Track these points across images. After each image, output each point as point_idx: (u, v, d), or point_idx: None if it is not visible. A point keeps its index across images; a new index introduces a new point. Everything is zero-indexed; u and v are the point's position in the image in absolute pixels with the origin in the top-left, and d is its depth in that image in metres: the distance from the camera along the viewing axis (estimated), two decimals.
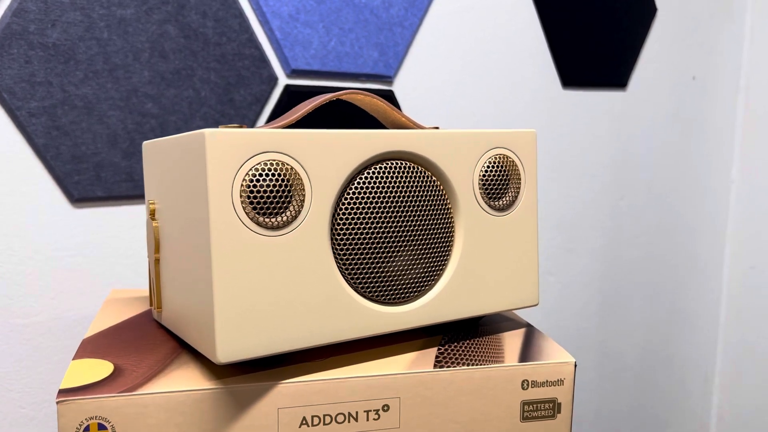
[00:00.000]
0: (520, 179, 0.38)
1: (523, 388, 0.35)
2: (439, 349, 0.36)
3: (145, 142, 0.38)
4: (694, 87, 1.03)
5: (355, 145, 0.32)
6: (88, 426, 0.30)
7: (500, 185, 0.37)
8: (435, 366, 0.34)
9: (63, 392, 0.30)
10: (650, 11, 0.96)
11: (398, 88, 0.77)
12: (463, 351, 0.36)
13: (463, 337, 0.38)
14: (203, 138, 0.29)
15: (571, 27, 0.88)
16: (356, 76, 0.73)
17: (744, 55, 1.07)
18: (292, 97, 0.69)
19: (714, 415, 1.12)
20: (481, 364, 0.34)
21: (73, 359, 0.33)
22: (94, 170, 0.60)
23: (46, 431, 0.60)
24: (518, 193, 0.38)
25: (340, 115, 0.72)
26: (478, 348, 0.37)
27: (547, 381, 0.35)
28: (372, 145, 0.33)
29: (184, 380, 0.31)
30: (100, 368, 0.32)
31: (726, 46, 1.05)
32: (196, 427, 0.31)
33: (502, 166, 0.37)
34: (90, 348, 0.35)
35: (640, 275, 1.00)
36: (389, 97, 0.76)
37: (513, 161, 0.38)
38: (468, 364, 0.34)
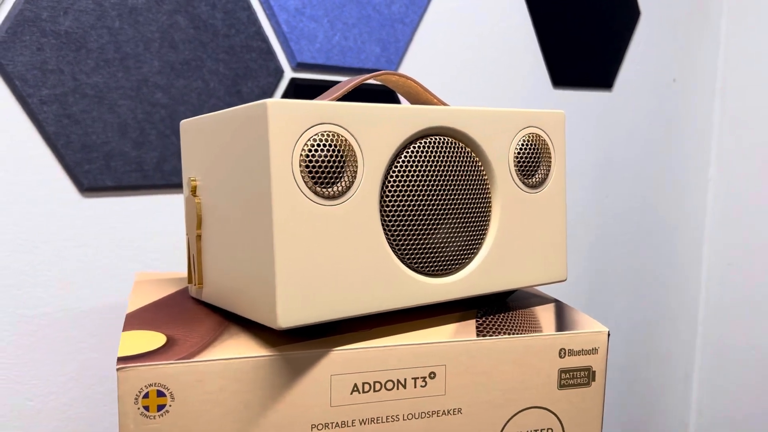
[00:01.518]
0: (550, 157, 0.39)
1: (560, 357, 0.36)
2: (477, 321, 0.37)
3: (183, 121, 0.39)
4: (674, 89, 1.06)
5: (404, 119, 0.33)
6: (147, 393, 0.30)
7: (533, 163, 0.38)
8: (477, 335, 0.35)
9: (122, 360, 0.30)
10: (634, 14, 0.99)
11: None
12: (501, 322, 0.37)
13: (497, 311, 0.39)
14: (265, 107, 0.29)
15: (562, 27, 0.91)
16: (359, 70, 0.74)
17: (720, 58, 1.11)
18: (297, 90, 0.70)
19: (693, 410, 1.15)
20: (521, 334, 0.35)
21: (123, 331, 0.34)
22: (104, 159, 0.59)
23: (54, 423, 0.59)
24: (549, 170, 0.39)
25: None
26: (515, 320, 0.38)
27: (582, 350, 0.36)
28: (419, 120, 0.34)
29: (239, 348, 0.32)
30: (153, 339, 0.33)
31: (703, 49, 1.09)
32: (252, 394, 0.31)
33: (534, 145, 0.38)
34: (136, 321, 0.35)
35: (623, 273, 1.02)
36: (389, 92, 0.77)
37: (544, 140, 0.39)
38: (509, 334, 0.35)
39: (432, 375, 0.34)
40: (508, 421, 0.35)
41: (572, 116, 0.94)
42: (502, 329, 0.36)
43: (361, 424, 0.33)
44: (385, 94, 0.76)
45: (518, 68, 0.88)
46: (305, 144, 0.30)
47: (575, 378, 0.36)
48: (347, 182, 0.31)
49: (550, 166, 0.39)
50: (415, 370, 0.34)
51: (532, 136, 0.38)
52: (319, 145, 0.30)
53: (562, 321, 0.38)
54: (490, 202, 0.37)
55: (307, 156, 0.30)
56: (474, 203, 0.36)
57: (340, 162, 0.31)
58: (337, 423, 0.33)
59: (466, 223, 0.36)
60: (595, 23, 0.94)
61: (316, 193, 0.31)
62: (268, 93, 0.68)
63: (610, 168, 0.99)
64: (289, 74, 0.70)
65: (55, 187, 0.58)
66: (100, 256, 0.60)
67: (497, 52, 0.86)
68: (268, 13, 0.67)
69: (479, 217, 0.37)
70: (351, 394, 0.33)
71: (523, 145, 0.38)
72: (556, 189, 0.40)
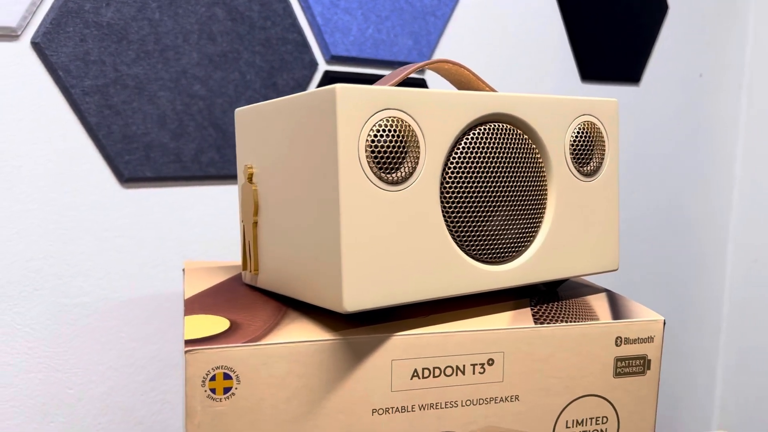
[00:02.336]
0: (604, 146, 0.39)
1: (616, 345, 0.36)
2: (532, 309, 0.37)
3: (238, 109, 0.39)
4: (701, 84, 1.06)
5: (465, 106, 0.33)
6: (214, 375, 0.30)
7: (588, 151, 0.38)
8: (535, 323, 0.35)
9: (189, 342, 0.30)
10: (662, 9, 0.98)
11: (429, 76, 0.78)
12: (556, 311, 0.37)
13: (550, 299, 0.39)
14: (334, 92, 0.29)
15: (591, 21, 0.91)
16: (391, 63, 0.74)
17: (747, 54, 1.10)
18: (331, 83, 0.70)
19: (717, 408, 1.15)
20: (577, 322, 0.35)
21: (185, 315, 0.34)
22: (144, 150, 0.60)
23: (93, 412, 0.60)
24: (603, 159, 0.39)
25: None
26: (570, 308, 0.38)
27: (638, 338, 0.36)
28: (479, 106, 0.34)
29: (303, 332, 0.32)
30: (216, 323, 0.33)
31: (731, 44, 1.08)
32: (316, 378, 0.31)
33: (589, 133, 0.38)
34: (197, 306, 0.36)
35: (649, 269, 1.02)
36: (421, 84, 0.77)
37: (599, 128, 0.39)
38: (566, 322, 0.35)
39: (491, 362, 0.34)
40: (564, 409, 0.35)
41: None
42: (558, 317, 0.36)
43: (420, 409, 0.33)
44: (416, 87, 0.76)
45: (547, 61, 0.88)
46: (371, 129, 0.30)
47: (631, 366, 0.36)
48: (410, 168, 0.32)
49: (604, 154, 0.39)
50: (474, 357, 0.34)
51: (587, 124, 0.38)
52: (384, 130, 0.31)
53: (617, 309, 0.38)
54: (546, 189, 0.37)
55: (373, 141, 0.30)
56: (531, 190, 0.36)
57: (403, 147, 0.31)
58: (397, 408, 0.33)
59: (523, 210, 0.36)
60: (624, 17, 0.94)
61: (380, 178, 0.31)
62: (303, 86, 0.68)
63: (637, 164, 0.99)
64: (323, 67, 0.70)
65: (96, 177, 0.58)
66: (139, 246, 0.61)
67: (527, 45, 0.86)
68: (304, 5, 0.68)
69: (535, 204, 0.37)
70: (411, 379, 0.33)
71: (578, 133, 0.38)
72: (609, 177, 0.40)
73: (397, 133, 0.31)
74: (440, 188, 0.33)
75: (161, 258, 0.62)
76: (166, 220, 0.62)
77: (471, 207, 0.34)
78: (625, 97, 0.96)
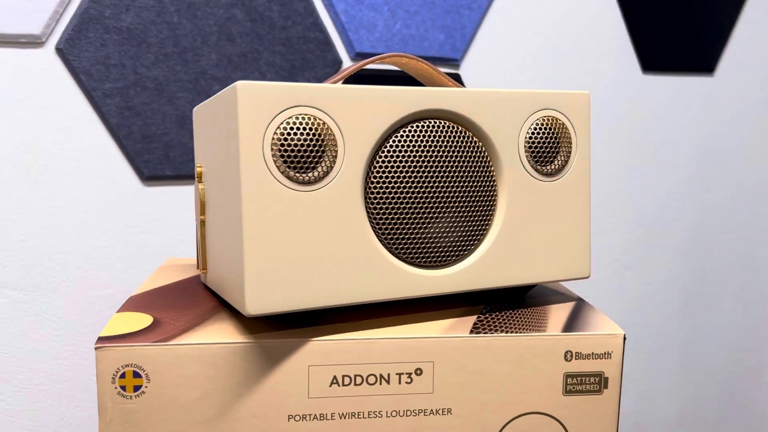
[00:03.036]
0: (571, 143, 0.36)
1: (566, 360, 0.33)
2: (479, 317, 0.35)
3: (196, 107, 0.39)
4: None
5: (391, 102, 0.32)
6: (123, 373, 0.30)
7: (548, 149, 0.35)
8: (471, 332, 0.33)
9: (101, 339, 0.31)
10: None
11: (465, 71, 0.75)
12: (504, 319, 0.35)
13: (506, 307, 0.37)
14: (236, 90, 0.29)
15: (653, 7, 0.84)
16: (422, 59, 0.72)
17: None
18: (356, 81, 0.70)
19: None
20: (520, 332, 0.33)
21: (117, 312, 0.35)
22: (163, 150, 0.62)
23: None
24: (569, 157, 0.36)
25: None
26: (521, 317, 0.35)
27: (593, 353, 0.33)
28: (409, 103, 0.32)
29: (218, 333, 0.32)
30: (139, 320, 0.33)
31: None
32: (228, 381, 0.31)
33: (550, 129, 0.35)
34: (135, 303, 0.36)
35: (728, 274, 0.94)
36: (456, 79, 0.75)
37: (563, 124, 0.36)
38: (508, 332, 0.33)
39: (418, 371, 0.32)
40: (505, 426, 0.33)
41: (666, 104, 0.87)
42: (502, 327, 0.33)
43: (341, 418, 0.32)
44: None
45: (601, 53, 0.83)
46: (278, 127, 0.29)
47: (584, 384, 0.33)
48: (325, 167, 0.30)
49: (570, 152, 0.36)
50: (399, 365, 0.32)
51: (548, 120, 0.35)
52: (293, 128, 0.30)
53: (574, 321, 0.35)
54: (495, 190, 0.35)
55: (280, 139, 0.29)
56: (476, 192, 0.34)
57: (316, 146, 0.30)
58: (315, 415, 0.32)
59: (467, 213, 0.34)
60: (695, 1, 0.87)
61: (290, 178, 0.30)
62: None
63: (713, 160, 0.91)
64: (347, 65, 0.69)
65: (118, 176, 0.61)
66: (160, 241, 0.63)
67: (577, 35, 0.81)
68: (326, 3, 0.67)
69: (482, 206, 0.34)
70: (330, 386, 0.32)
71: (536, 129, 0.35)
72: (578, 177, 0.37)
73: (309, 130, 0.30)
74: (365, 189, 0.32)
75: (181, 253, 0.64)
76: (185, 217, 0.64)
77: (401, 209, 0.32)
78: (696, 89, 0.89)
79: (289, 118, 0.30)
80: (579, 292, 0.86)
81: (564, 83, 0.81)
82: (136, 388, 0.31)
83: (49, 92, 0.58)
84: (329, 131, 0.30)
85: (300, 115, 0.30)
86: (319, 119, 0.30)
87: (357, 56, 0.69)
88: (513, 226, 0.35)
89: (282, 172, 0.30)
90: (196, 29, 0.62)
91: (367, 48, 0.70)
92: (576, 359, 0.33)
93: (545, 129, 0.35)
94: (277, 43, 0.65)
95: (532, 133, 0.35)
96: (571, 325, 0.34)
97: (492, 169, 0.35)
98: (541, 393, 0.33)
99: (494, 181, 0.35)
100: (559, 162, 0.36)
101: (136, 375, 0.30)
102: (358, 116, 0.31)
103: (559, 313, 0.36)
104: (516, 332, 0.33)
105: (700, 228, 0.91)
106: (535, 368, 0.33)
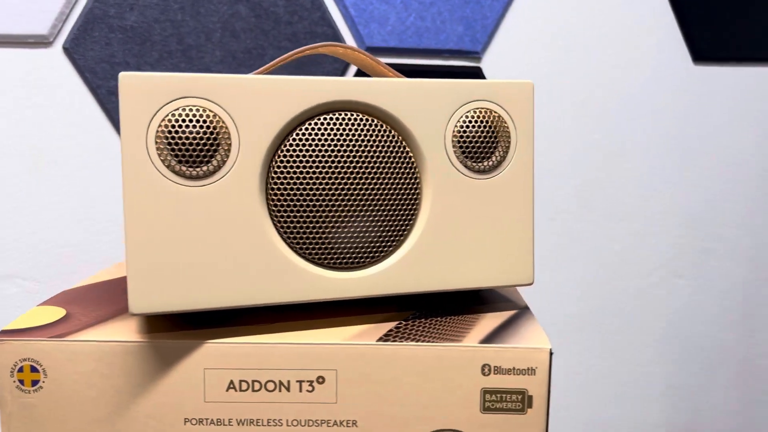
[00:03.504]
0: (509, 138, 0.33)
1: (483, 374, 0.30)
2: (399, 324, 0.33)
3: None
4: None
5: (292, 93, 0.30)
6: (22, 367, 0.30)
7: (480, 143, 0.32)
8: (380, 340, 0.30)
9: (3, 333, 0.31)
10: None
11: (487, 64, 0.72)
12: (423, 327, 0.32)
13: (435, 314, 0.34)
14: (119, 81, 0.28)
15: None
16: (438, 52, 0.70)
17: None
18: (367, 76, 0.68)
19: None
20: (432, 342, 0.30)
21: (37, 305, 0.35)
22: None
23: None
24: (506, 153, 0.33)
25: None
26: (442, 326, 0.32)
27: (514, 368, 0.30)
28: (314, 94, 0.30)
29: (116, 332, 0.31)
30: (51, 314, 0.33)
31: None
32: (123, 380, 0.30)
33: (483, 122, 0.32)
34: (60, 298, 0.36)
35: None
36: (476, 74, 0.72)
37: (499, 116, 0.33)
38: (418, 341, 0.30)
39: (321, 380, 0.30)
40: None
41: (720, 96, 0.80)
42: (416, 335, 0.31)
43: (239, 424, 0.31)
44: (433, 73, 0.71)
45: (645, 42, 0.77)
46: (163, 119, 0.28)
47: (505, 401, 0.30)
48: (217, 163, 0.29)
49: (507, 147, 0.33)
50: (300, 373, 0.30)
51: (480, 112, 0.33)
52: (179, 121, 0.29)
53: (501, 332, 0.32)
54: (419, 189, 0.32)
55: (165, 132, 0.28)
56: (396, 190, 0.32)
57: (205, 139, 0.29)
58: (212, 420, 0.30)
59: (384, 212, 0.32)
60: None
61: (177, 172, 0.29)
62: None
63: None
64: None
65: None
66: None
67: (616, 23, 0.75)
68: None
69: (403, 205, 0.32)
70: (227, 390, 0.30)
71: (466, 122, 0.32)
72: (517, 175, 0.33)
73: (197, 123, 0.29)
74: (267, 185, 0.30)
75: None
76: None
77: (307, 207, 0.31)
78: (755, 80, 0.81)
79: (176, 109, 0.29)
80: (614, 300, 0.80)
81: (600, 76, 0.76)
82: (34, 382, 0.30)
83: (58, 90, 0.60)
84: (221, 123, 0.29)
85: (189, 106, 0.29)
86: (210, 110, 0.29)
87: (368, 50, 0.68)
88: (438, 227, 0.32)
89: (168, 167, 0.29)
90: (200, 26, 0.62)
91: (378, 42, 0.68)
92: (495, 374, 0.30)
93: (476, 122, 0.32)
94: (283, 39, 0.65)
95: (461, 127, 0.32)
96: (494, 337, 0.31)
97: (415, 165, 0.32)
98: (456, 409, 0.30)
99: (418, 178, 0.32)
100: (496, 158, 0.33)
101: (34, 369, 0.30)
102: (255, 108, 0.29)
103: (489, 322, 0.33)
104: (428, 341, 0.30)
105: (764, 231, 0.83)
106: (448, 382, 0.30)
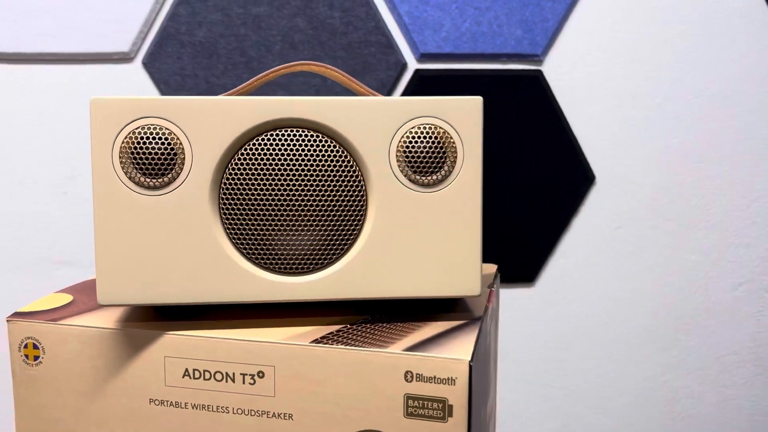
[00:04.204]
0: (455, 152, 0.34)
1: (406, 380, 0.31)
2: (345, 327, 0.35)
3: None
4: None
5: (239, 112, 0.33)
6: (26, 344, 0.36)
7: (425, 158, 0.34)
8: (315, 342, 0.33)
9: (15, 314, 0.37)
10: None
11: (549, 68, 0.71)
12: (364, 332, 0.34)
13: (384, 320, 0.36)
14: (90, 104, 0.33)
15: None
16: (495, 56, 0.70)
17: None
18: (422, 81, 0.69)
19: None
20: (360, 347, 0.32)
21: (55, 292, 0.41)
22: None
23: None
24: (452, 168, 0.34)
25: None
26: (382, 331, 0.34)
27: (435, 377, 0.31)
28: (259, 113, 0.33)
29: (100, 319, 0.36)
30: (59, 300, 0.39)
31: None
32: (101, 361, 0.35)
33: (426, 138, 0.34)
34: (79, 286, 0.42)
35: None
36: (536, 78, 0.71)
37: (444, 132, 0.34)
38: (348, 345, 0.32)
39: (260, 374, 0.33)
40: None
41: None
42: (352, 339, 0.33)
43: (193, 408, 0.34)
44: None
45: (735, 39, 0.71)
46: (126, 136, 0.33)
47: (426, 408, 0.31)
48: (173, 174, 0.33)
49: (454, 162, 0.34)
50: (243, 366, 0.33)
51: (426, 128, 0.34)
52: (140, 138, 0.33)
53: (432, 341, 0.33)
54: (364, 201, 0.34)
55: (127, 147, 0.33)
56: (340, 202, 0.34)
57: (161, 154, 0.33)
58: (171, 402, 0.34)
59: (329, 222, 0.34)
60: None
61: (138, 183, 0.33)
62: (387, 86, 0.69)
63: None
64: (413, 66, 0.70)
65: None
66: None
67: (698, 20, 0.71)
68: (389, 6, 0.68)
69: (348, 216, 0.34)
70: (183, 377, 0.34)
71: (411, 138, 0.34)
72: (464, 189, 0.34)
73: (155, 140, 0.33)
74: (219, 194, 0.34)
75: None
76: None
77: (255, 215, 0.33)
78: None
79: (137, 128, 0.33)
80: (692, 316, 0.75)
81: (677, 79, 0.72)
82: (36, 357, 0.36)
83: None
84: (177, 140, 0.33)
85: (148, 125, 0.33)
86: (166, 129, 0.33)
87: (422, 57, 0.69)
88: (382, 238, 0.34)
89: (131, 178, 0.33)
90: (261, 39, 0.67)
91: (432, 48, 0.69)
92: (417, 381, 0.31)
93: (420, 138, 0.33)
94: (338, 49, 0.68)
95: (406, 142, 0.34)
96: (423, 345, 0.32)
97: (360, 179, 0.34)
98: (381, 412, 0.32)
99: (363, 191, 0.34)
100: (442, 173, 0.34)
101: (35, 347, 0.36)
102: (206, 126, 0.33)
103: (429, 330, 0.34)
104: (358, 346, 0.32)
105: None
106: (373, 385, 0.32)
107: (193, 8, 0.66)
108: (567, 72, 0.71)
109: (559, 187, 0.73)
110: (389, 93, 0.69)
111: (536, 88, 0.71)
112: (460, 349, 0.32)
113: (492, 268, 0.48)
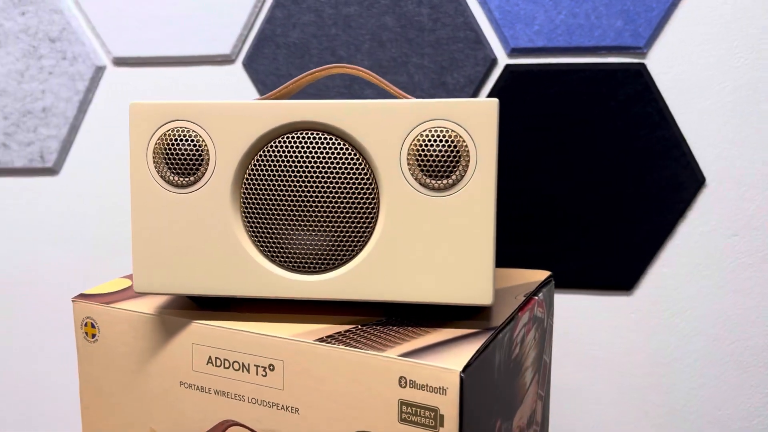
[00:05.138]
0: (468, 156, 0.33)
1: (401, 386, 0.31)
2: (355, 327, 0.35)
3: None
4: None
5: (258, 116, 0.34)
6: (87, 322, 0.40)
7: (436, 162, 0.33)
8: (320, 340, 0.34)
9: (80, 296, 0.41)
10: None
11: (654, 61, 0.66)
12: (371, 334, 0.34)
13: (395, 323, 0.36)
14: (129, 109, 0.36)
15: None
16: (593, 49, 0.66)
17: None
18: (513, 77, 0.67)
19: None
20: (359, 349, 0.32)
21: (120, 276, 0.45)
22: None
23: None
24: (465, 171, 0.33)
25: None
26: (389, 335, 0.34)
27: (427, 385, 0.31)
28: (276, 117, 0.34)
29: (144, 305, 0.39)
30: (120, 285, 0.43)
31: None
32: (142, 343, 0.38)
33: (439, 141, 0.33)
34: None
35: None
36: (638, 71, 0.66)
37: (457, 135, 0.33)
38: (351, 346, 0.33)
39: (271, 367, 0.35)
40: None
41: None
42: (356, 340, 0.33)
43: (215, 393, 0.36)
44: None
45: None
46: (159, 138, 0.35)
47: (419, 416, 0.31)
48: (200, 173, 0.35)
49: (467, 166, 0.33)
50: (257, 358, 0.35)
51: (438, 131, 0.33)
52: (171, 139, 0.35)
53: (433, 348, 0.32)
54: (376, 203, 0.34)
55: (160, 148, 0.35)
56: (353, 203, 0.34)
57: (190, 154, 0.35)
58: (198, 386, 0.37)
59: (342, 223, 0.34)
60: None
61: (168, 181, 0.35)
62: (475, 82, 0.68)
63: None
64: (504, 61, 0.68)
65: None
66: None
67: None
68: (480, 0, 0.67)
69: (360, 218, 0.34)
70: (207, 364, 0.36)
71: (423, 141, 0.33)
72: (477, 194, 0.33)
73: (184, 141, 0.35)
74: (241, 194, 0.35)
75: None
76: None
77: (271, 213, 0.35)
78: None
79: (168, 130, 0.35)
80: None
81: None
82: (93, 335, 0.40)
83: (238, 98, 0.72)
84: (202, 141, 0.35)
85: (178, 128, 0.35)
86: (194, 131, 0.35)
87: (513, 52, 0.67)
88: (392, 241, 0.34)
89: (162, 176, 0.35)
90: (350, 39, 0.69)
91: (524, 43, 0.67)
92: (410, 387, 0.31)
93: (432, 141, 0.33)
94: (426, 46, 0.68)
95: (418, 145, 0.33)
96: (421, 352, 0.32)
97: (372, 181, 0.34)
98: (378, 415, 0.32)
99: (375, 193, 0.34)
100: (455, 177, 0.33)
101: (93, 326, 0.40)
102: (228, 129, 0.35)
103: (435, 337, 0.33)
104: (358, 348, 0.32)
105: None
106: (370, 388, 0.32)
107: (288, 11, 0.69)
108: (674, 65, 0.65)
109: (663, 190, 0.67)
110: (477, 89, 0.68)
111: (638, 82, 0.66)
112: (455, 359, 0.31)
113: (541, 274, 0.46)
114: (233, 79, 0.71)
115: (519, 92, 0.68)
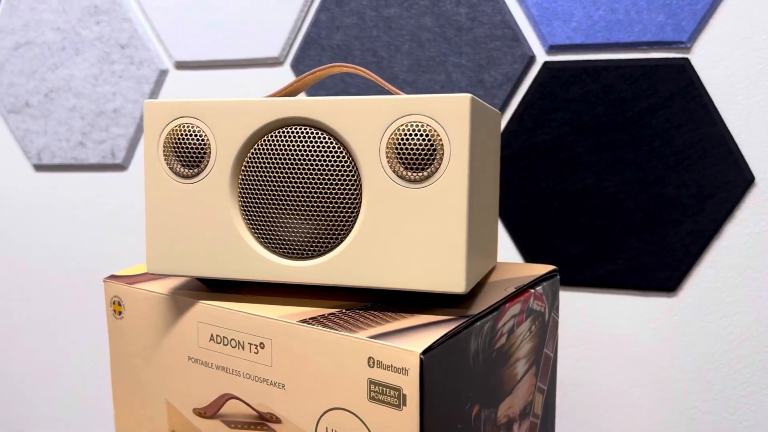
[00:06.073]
0: (443, 149, 0.34)
1: (369, 365, 0.33)
2: (339, 311, 0.37)
3: None
4: None
5: (253, 112, 0.37)
6: (114, 300, 0.45)
7: (413, 155, 0.35)
8: (302, 321, 0.36)
9: (110, 277, 0.45)
10: None
11: (698, 56, 0.64)
12: (353, 317, 0.36)
13: (380, 308, 0.37)
14: (144, 107, 0.40)
15: None
16: (633, 45, 0.65)
17: None
18: (551, 74, 0.67)
19: None
20: (337, 330, 0.34)
21: None
22: None
23: None
24: (440, 164, 0.34)
25: None
26: (368, 318, 0.36)
27: (391, 366, 0.32)
28: (269, 112, 0.37)
29: (162, 286, 0.43)
30: (145, 267, 0.47)
31: None
32: (157, 320, 0.42)
33: (414, 135, 0.34)
34: None
35: None
36: (682, 67, 0.64)
37: (432, 129, 0.34)
38: (328, 327, 0.35)
39: (262, 345, 0.37)
40: (324, 414, 0.35)
41: None
42: (336, 323, 0.35)
43: (217, 369, 0.40)
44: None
45: None
46: (168, 133, 0.39)
47: (385, 395, 0.33)
48: (204, 165, 0.38)
49: (441, 159, 0.34)
50: (250, 337, 0.38)
51: (413, 126, 0.34)
52: (178, 134, 0.39)
53: (404, 331, 0.34)
54: (359, 194, 0.36)
55: (168, 142, 0.39)
56: (337, 194, 0.36)
57: (194, 148, 0.38)
58: (203, 362, 0.40)
59: (326, 213, 0.37)
60: None
61: (176, 172, 0.39)
62: (513, 79, 0.68)
63: None
64: (542, 59, 0.68)
65: None
66: None
67: None
68: None
69: (343, 208, 0.36)
70: (209, 341, 0.40)
71: (400, 135, 0.35)
72: (450, 185, 0.34)
73: (188, 135, 0.38)
74: (238, 184, 0.38)
75: None
76: None
77: (265, 202, 0.38)
78: None
79: (176, 125, 0.39)
80: None
81: None
82: (119, 313, 0.44)
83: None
84: (204, 136, 0.38)
85: (184, 123, 0.38)
86: (197, 126, 0.38)
87: (551, 50, 0.67)
88: (372, 230, 0.36)
89: (170, 167, 0.39)
90: (391, 40, 0.71)
91: (562, 40, 0.67)
92: (378, 367, 0.33)
93: (409, 135, 0.35)
94: (463, 45, 0.69)
95: (397, 140, 0.35)
96: (392, 334, 0.33)
97: (356, 173, 0.36)
98: (350, 392, 0.34)
99: (358, 184, 0.36)
100: (431, 169, 0.35)
101: (119, 304, 0.44)
102: (226, 123, 0.38)
103: (408, 321, 0.35)
104: (333, 329, 0.35)
105: None
106: (344, 366, 0.34)
107: (332, 14, 0.72)
108: (720, 60, 0.63)
109: (709, 189, 0.65)
110: (515, 86, 0.68)
111: (682, 78, 0.64)
112: (419, 341, 0.32)
113: (543, 268, 0.46)
114: (281, 80, 0.75)
115: (558, 89, 0.68)
